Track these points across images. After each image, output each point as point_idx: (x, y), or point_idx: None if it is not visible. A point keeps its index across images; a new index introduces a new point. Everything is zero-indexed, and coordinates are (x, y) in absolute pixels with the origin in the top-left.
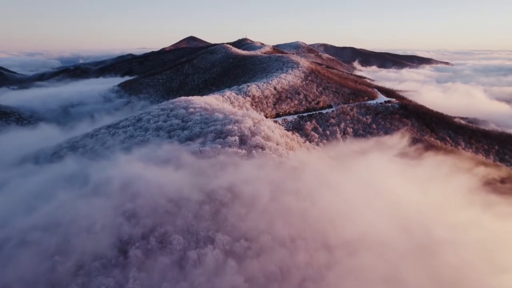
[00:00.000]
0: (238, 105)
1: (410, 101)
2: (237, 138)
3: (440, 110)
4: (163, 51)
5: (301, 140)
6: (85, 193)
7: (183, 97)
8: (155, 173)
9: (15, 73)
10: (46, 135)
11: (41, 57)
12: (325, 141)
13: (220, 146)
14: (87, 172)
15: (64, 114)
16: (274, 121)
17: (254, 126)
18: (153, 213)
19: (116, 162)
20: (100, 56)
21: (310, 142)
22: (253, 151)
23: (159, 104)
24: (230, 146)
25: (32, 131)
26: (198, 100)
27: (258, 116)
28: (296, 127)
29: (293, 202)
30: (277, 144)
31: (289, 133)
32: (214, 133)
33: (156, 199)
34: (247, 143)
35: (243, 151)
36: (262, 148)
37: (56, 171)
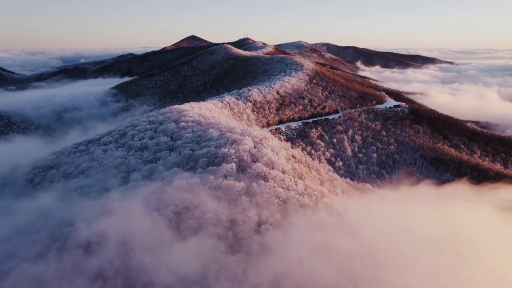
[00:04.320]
0: (238, 111)
1: (420, 104)
2: (234, 165)
3: (450, 114)
4: (163, 51)
5: (310, 160)
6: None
7: (175, 106)
8: (126, 222)
9: (13, 73)
10: (28, 148)
11: (43, 56)
12: (331, 150)
13: (213, 177)
14: (57, 221)
15: (57, 119)
16: (277, 128)
17: (255, 147)
18: (125, 272)
19: (84, 206)
20: (102, 55)
21: (315, 151)
22: (254, 184)
23: (148, 114)
24: (225, 177)
25: (11, 144)
26: (192, 111)
27: (260, 133)
28: (300, 135)
29: (305, 256)
30: (283, 173)
31: (296, 151)
32: (207, 157)
33: (128, 255)
34: (246, 171)
35: (241, 184)
36: (265, 179)
37: (25, 212)
